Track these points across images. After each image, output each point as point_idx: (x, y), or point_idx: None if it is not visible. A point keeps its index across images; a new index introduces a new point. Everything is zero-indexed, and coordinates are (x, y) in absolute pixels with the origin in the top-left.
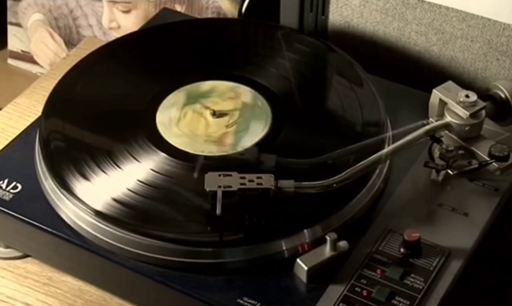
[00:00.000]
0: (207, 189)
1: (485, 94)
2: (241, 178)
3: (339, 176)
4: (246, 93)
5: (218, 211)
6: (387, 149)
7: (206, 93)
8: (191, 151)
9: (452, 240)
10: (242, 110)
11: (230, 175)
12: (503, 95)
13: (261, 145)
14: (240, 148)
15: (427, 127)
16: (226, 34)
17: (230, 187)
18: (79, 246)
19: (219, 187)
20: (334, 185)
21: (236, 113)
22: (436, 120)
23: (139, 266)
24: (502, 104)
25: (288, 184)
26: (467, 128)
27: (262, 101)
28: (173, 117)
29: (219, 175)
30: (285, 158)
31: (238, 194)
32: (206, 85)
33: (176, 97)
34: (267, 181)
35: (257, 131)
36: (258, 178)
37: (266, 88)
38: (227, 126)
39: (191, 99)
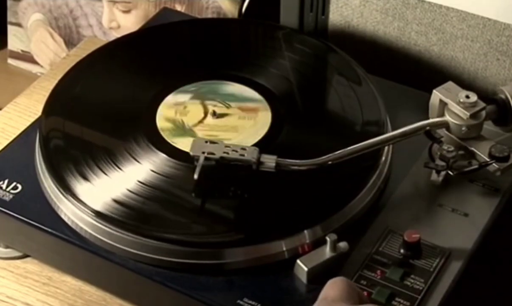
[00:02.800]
0: (191, 153)
1: (490, 97)
2: (226, 146)
3: (332, 154)
4: (263, 113)
5: (196, 175)
6: (383, 136)
7: (225, 96)
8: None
9: (452, 240)
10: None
11: (216, 143)
12: (506, 101)
13: (261, 145)
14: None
15: (425, 121)
16: (226, 34)
17: (213, 154)
18: (79, 246)
19: (203, 152)
20: (330, 162)
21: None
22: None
23: (139, 267)
24: (504, 109)
25: (269, 159)
26: (467, 128)
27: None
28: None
29: (206, 142)
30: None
31: (219, 161)
32: (230, 87)
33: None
34: (250, 153)
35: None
36: (242, 148)
37: (266, 89)
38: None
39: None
